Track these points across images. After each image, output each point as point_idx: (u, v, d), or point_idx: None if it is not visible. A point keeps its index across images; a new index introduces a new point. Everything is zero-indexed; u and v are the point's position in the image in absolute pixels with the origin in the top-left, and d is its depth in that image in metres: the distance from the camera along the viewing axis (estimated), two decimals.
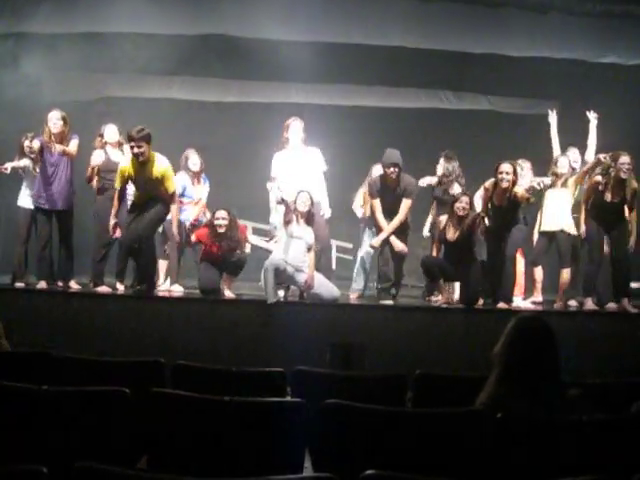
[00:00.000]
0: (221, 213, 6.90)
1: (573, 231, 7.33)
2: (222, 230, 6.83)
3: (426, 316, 6.81)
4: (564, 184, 7.37)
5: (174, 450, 2.49)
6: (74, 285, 7.09)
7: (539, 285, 7.70)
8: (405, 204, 7.05)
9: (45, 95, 9.47)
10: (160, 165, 6.40)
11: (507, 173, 6.57)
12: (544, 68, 9.18)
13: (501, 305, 6.81)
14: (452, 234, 6.83)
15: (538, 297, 7.64)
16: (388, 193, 7.08)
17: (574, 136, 9.10)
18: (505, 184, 6.59)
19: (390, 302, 7.03)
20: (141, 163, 6.31)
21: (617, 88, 8.95)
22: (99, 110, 9.59)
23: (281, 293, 6.87)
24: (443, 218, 6.99)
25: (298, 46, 8.69)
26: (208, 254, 6.93)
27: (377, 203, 7.12)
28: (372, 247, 7.38)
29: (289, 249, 6.65)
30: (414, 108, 11.03)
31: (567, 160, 7.49)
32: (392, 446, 2.50)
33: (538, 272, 7.65)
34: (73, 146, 6.88)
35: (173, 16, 8.44)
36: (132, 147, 6.24)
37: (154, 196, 6.45)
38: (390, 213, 7.07)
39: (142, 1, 7.98)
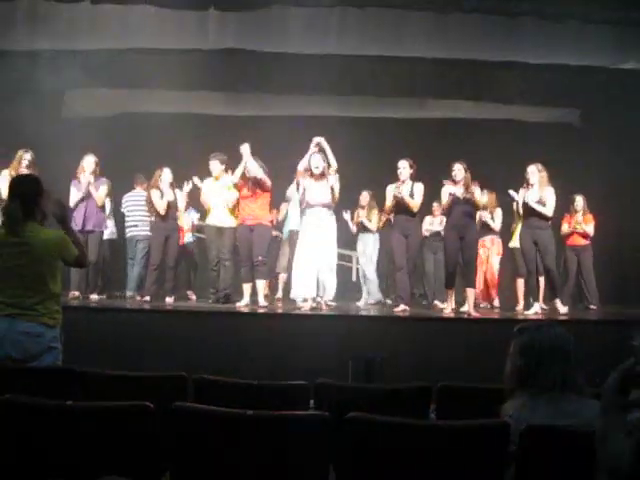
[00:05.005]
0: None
1: None
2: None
3: (446, 327, 6.80)
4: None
5: (197, 465, 2.49)
6: (94, 297, 7.96)
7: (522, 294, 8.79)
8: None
9: (67, 112, 9.60)
10: None
11: (458, 170, 7.43)
12: (564, 76, 9.15)
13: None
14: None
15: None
16: None
17: (596, 142, 9.04)
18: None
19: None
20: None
21: (637, 94, 8.88)
22: (123, 125, 9.74)
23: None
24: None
25: (315, 59, 8.74)
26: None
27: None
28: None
29: None
30: (432, 118, 11.03)
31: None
32: (416, 459, 2.48)
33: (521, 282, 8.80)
34: (102, 192, 8.07)
35: (192, 32, 8.53)
36: None
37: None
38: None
39: (162, 16, 8.07)
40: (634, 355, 2.66)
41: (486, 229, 9.02)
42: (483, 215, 8.90)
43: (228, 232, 7.96)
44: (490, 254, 9.10)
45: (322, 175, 7.35)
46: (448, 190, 7.49)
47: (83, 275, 7.88)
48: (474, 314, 7.29)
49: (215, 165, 8.06)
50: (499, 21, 8.38)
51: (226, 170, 8.04)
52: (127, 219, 9.02)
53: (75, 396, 3.04)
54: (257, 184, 7.68)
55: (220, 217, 8.02)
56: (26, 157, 7.52)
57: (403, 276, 7.80)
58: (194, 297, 9.12)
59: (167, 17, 8.15)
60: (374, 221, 9.29)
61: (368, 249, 9.30)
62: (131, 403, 2.61)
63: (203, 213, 9.12)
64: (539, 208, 7.35)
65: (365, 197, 9.35)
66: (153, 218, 8.49)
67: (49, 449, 2.52)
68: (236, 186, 7.85)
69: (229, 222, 7.97)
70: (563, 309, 7.53)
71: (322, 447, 2.50)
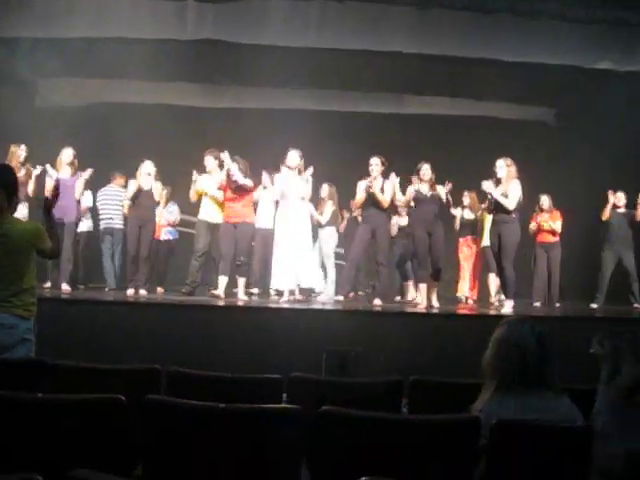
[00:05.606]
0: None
1: None
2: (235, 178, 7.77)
3: (420, 322, 6.83)
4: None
5: (170, 458, 2.48)
6: (65, 288, 7.79)
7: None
8: None
9: (41, 101, 9.47)
10: None
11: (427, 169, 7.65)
12: (539, 74, 9.20)
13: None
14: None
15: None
16: None
17: (571, 142, 9.08)
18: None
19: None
20: None
21: (612, 94, 8.96)
22: (98, 115, 9.66)
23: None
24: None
25: (294, 52, 8.71)
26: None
27: None
28: None
29: None
30: (409, 114, 11.05)
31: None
32: (388, 453, 2.50)
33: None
34: (80, 185, 8.07)
35: (170, 22, 8.46)
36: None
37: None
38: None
39: (139, 7, 8.00)
40: (597, 361, 2.69)
41: (467, 228, 9.41)
42: (464, 214, 9.34)
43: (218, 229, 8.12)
44: (474, 252, 9.45)
45: (298, 169, 7.50)
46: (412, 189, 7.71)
47: (58, 267, 7.90)
48: (437, 305, 7.58)
49: (209, 161, 8.13)
50: (476, 18, 8.41)
51: (220, 166, 8.03)
52: (101, 212, 9.10)
53: (47, 389, 3.02)
54: (240, 188, 7.79)
55: (211, 213, 8.15)
56: (21, 153, 7.75)
57: (350, 269, 8.08)
58: (162, 290, 9.08)
59: (145, 6, 8.09)
60: (326, 213, 9.16)
61: (324, 246, 9.20)
62: (103, 396, 2.60)
63: (185, 208, 9.17)
64: (502, 200, 7.31)
65: (325, 190, 9.24)
66: (126, 210, 8.57)
67: (20, 442, 2.50)
68: (220, 187, 7.98)
69: (219, 218, 8.09)
70: (509, 309, 7.24)
71: (295, 441, 2.51)
